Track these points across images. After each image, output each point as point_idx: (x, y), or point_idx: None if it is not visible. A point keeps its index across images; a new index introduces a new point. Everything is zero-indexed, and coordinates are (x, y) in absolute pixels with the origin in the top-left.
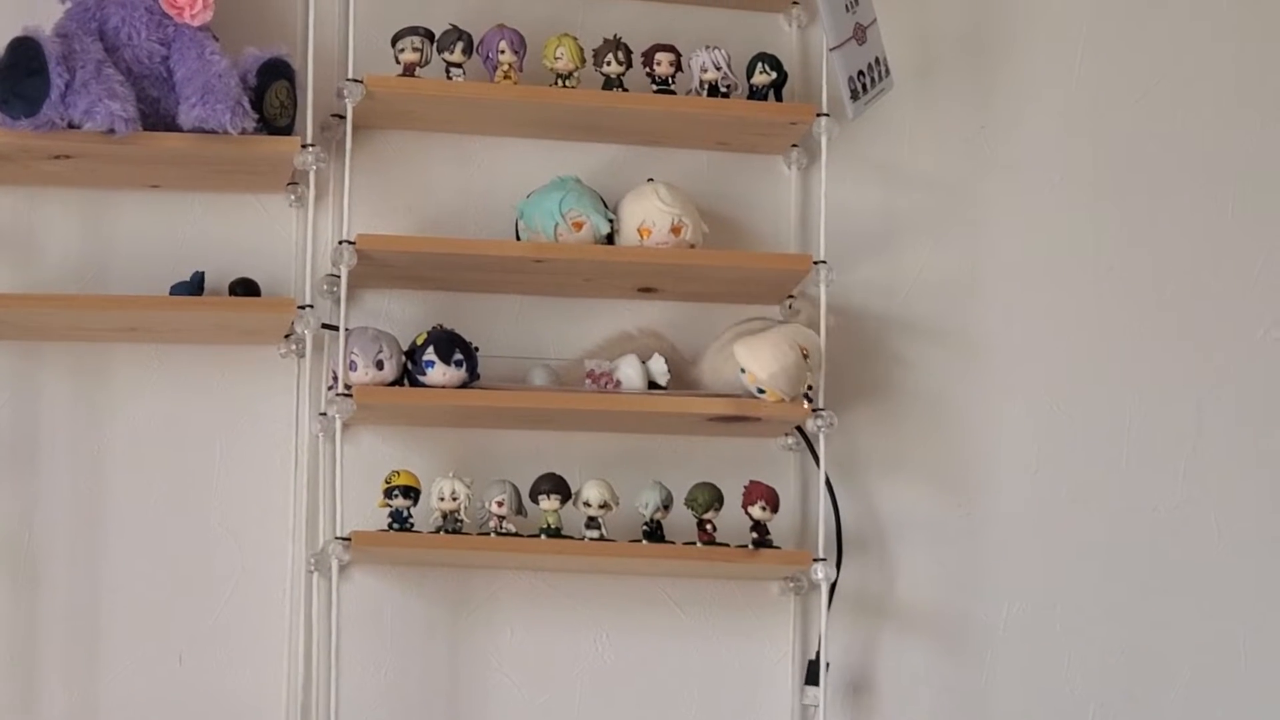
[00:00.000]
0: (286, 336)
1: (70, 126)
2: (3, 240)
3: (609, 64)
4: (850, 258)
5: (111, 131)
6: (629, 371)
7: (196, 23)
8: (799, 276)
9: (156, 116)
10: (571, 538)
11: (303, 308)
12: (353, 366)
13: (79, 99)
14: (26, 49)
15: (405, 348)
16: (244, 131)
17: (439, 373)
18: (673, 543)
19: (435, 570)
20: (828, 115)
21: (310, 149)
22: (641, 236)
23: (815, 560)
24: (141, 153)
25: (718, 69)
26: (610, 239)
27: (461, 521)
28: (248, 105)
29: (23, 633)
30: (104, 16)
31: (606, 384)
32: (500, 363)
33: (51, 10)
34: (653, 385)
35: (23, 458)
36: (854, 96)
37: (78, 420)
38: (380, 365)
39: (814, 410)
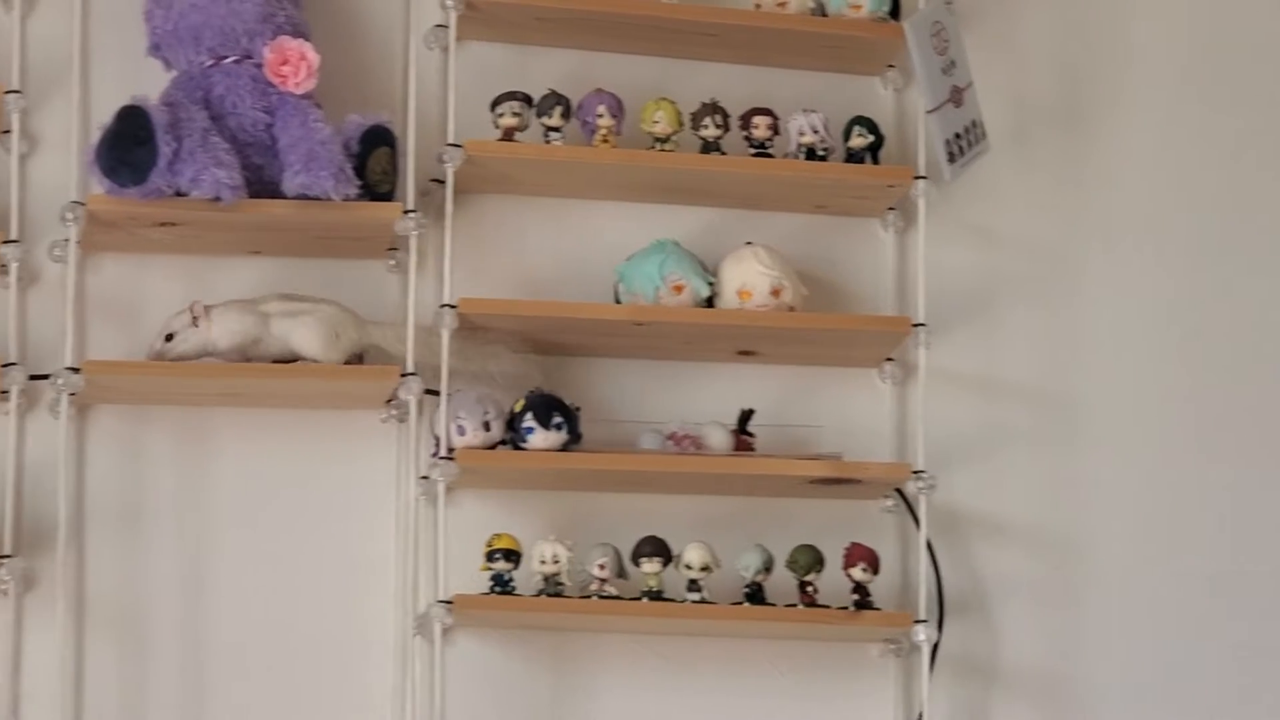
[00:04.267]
0: (388, 401)
1: (177, 194)
2: (109, 306)
3: (707, 127)
4: (948, 320)
5: (217, 199)
6: (714, 436)
7: (300, 91)
8: (899, 339)
9: (260, 184)
10: (673, 600)
11: (405, 375)
12: (460, 431)
13: (185, 167)
14: (134, 118)
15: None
16: (347, 198)
17: (539, 437)
18: (774, 605)
19: (536, 633)
20: (925, 178)
21: (411, 215)
22: (741, 299)
23: (916, 622)
24: (245, 219)
25: (815, 132)
26: (710, 302)
27: (563, 585)
28: (350, 172)
29: (131, 697)
30: (209, 85)
31: (688, 446)
32: (600, 426)
33: (158, 79)
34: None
35: (128, 521)
36: (951, 159)
37: (182, 484)
38: (487, 426)
39: (914, 472)
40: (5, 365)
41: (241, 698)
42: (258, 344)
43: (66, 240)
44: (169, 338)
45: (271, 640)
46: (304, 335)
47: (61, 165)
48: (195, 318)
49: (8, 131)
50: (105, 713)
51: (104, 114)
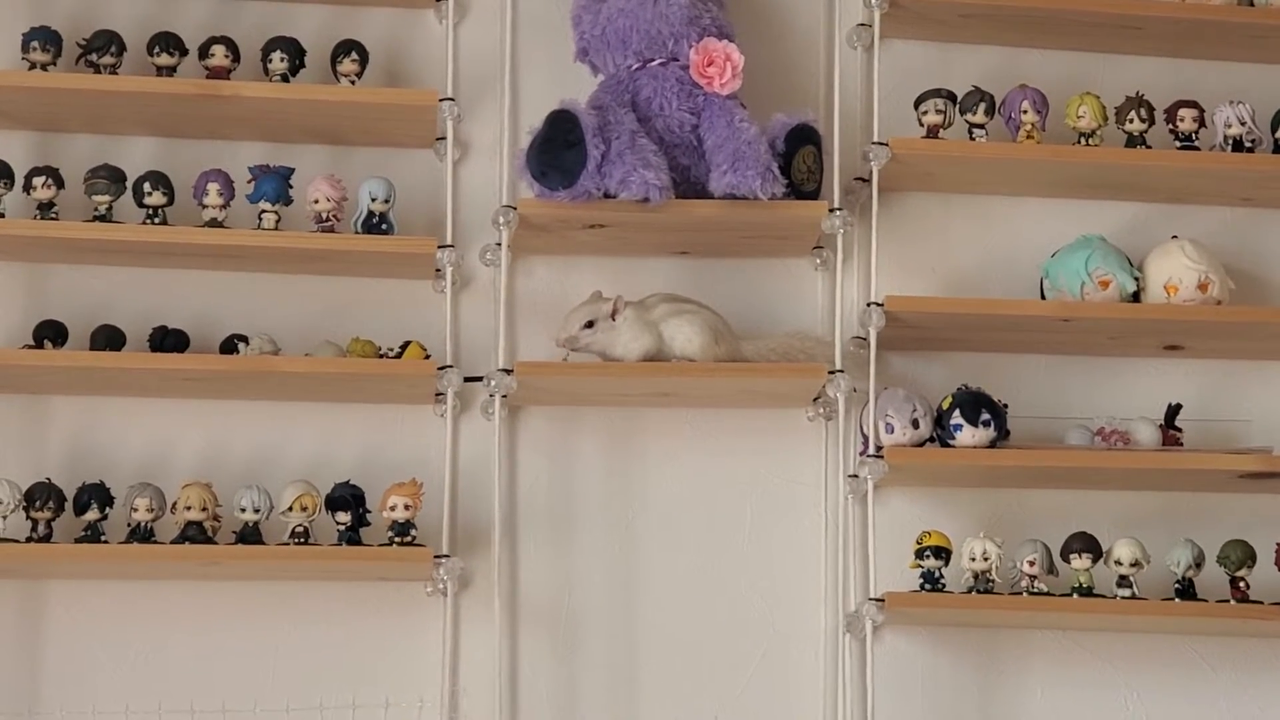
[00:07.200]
0: (815, 400)
1: (606, 196)
2: (539, 308)
3: (1131, 121)
4: None
5: (646, 200)
6: (1142, 431)
7: (725, 92)
8: None
9: (687, 184)
10: (1103, 596)
11: (833, 373)
12: (889, 429)
13: (614, 169)
14: (564, 122)
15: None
16: (774, 197)
17: (968, 435)
18: (1205, 601)
19: (963, 630)
20: None
21: (837, 213)
22: (1168, 294)
23: None
24: (673, 220)
25: (1242, 124)
26: (1136, 297)
27: (993, 581)
28: (777, 171)
29: (564, 693)
30: (636, 88)
31: (1116, 442)
32: (1026, 422)
33: (584, 84)
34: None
35: (559, 521)
36: None
37: (611, 484)
38: (916, 424)
39: None
40: (441, 368)
41: (671, 693)
42: (660, 355)
43: (498, 244)
44: (589, 324)
45: (700, 637)
46: (688, 334)
47: (491, 170)
48: (615, 311)
49: (441, 138)
50: (539, 707)
51: (533, 119)
